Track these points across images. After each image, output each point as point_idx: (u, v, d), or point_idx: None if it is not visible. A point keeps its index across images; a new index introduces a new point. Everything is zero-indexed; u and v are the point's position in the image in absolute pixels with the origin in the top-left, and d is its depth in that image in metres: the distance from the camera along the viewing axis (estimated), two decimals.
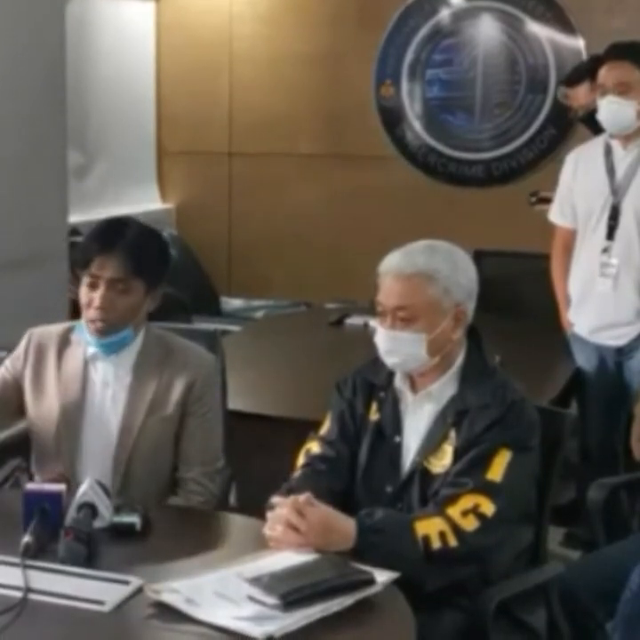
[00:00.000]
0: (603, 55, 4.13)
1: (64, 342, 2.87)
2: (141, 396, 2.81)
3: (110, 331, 2.77)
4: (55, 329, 2.91)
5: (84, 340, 2.83)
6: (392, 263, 2.59)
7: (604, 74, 4.03)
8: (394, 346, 2.57)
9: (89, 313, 2.76)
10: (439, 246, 2.62)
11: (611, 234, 4.07)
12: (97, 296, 2.73)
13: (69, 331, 2.89)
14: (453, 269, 2.57)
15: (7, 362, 2.93)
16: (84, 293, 2.77)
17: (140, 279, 2.76)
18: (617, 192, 4.07)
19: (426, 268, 2.55)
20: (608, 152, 4.12)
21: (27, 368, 2.88)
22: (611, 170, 4.09)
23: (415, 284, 2.55)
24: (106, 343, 2.79)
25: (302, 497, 2.37)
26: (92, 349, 2.83)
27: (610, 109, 4.01)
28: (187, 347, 2.91)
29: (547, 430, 2.61)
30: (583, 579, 2.84)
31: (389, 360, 2.61)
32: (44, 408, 2.85)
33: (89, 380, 2.84)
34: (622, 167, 4.07)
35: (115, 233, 2.77)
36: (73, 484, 2.57)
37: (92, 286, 2.75)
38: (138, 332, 2.84)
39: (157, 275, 2.84)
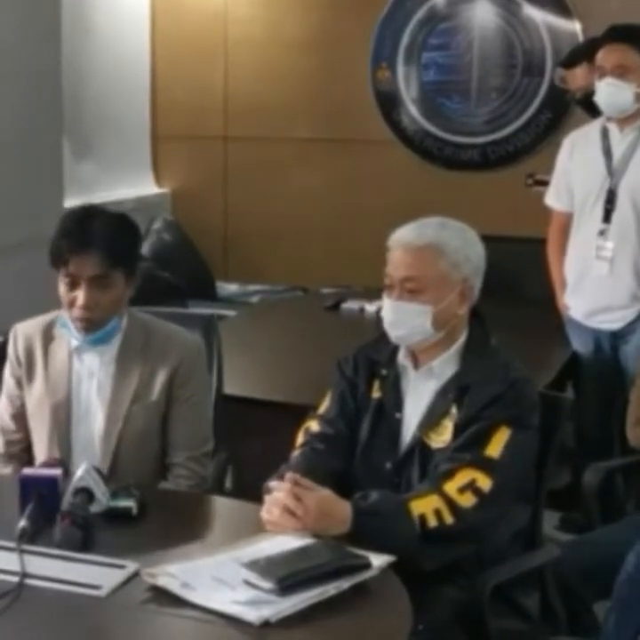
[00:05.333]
0: (601, 37, 4.12)
1: (48, 338, 2.86)
2: (126, 385, 2.80)
3: (96, 327, 2.75)
4: (37, 323, 2.89)
5: (69, 334, 2.80)
6: (402, 235, 2.61)
7: (603, 56, 4.03)
8: (400, 317, 2.58)
9: (73, 312, 2.72)
10: (449, 222, 2.65)
11: (607, 217, 4.07)
12: (80, 295, 2.69)
13: (52, 324, 2.86)
14: (463, 244, 2.59)
15: (6, 374, 2.91)
16: (64, 292, 2.73)
17: (120, 269, 2.73)
18: (614, 175, 4.06)
19: (436, 241, 2.57)
20: (605, 135, 4.11)
21: (22, 369, 2.88)
22: (607, 152, 4.09)
23: (425, 255, 2.56)
24: (92, 340, 2.78)
25: (290, 474, 2.38)
26: (75, 342, 2.81)
27: (608, 92, 4.00)
28: (170, 331, 2.89)
29: (543, 414, 2.62)
30: (573, 560, 2.86)
31: (394, 332, 2.61)
32: (35, 404, 2.85)
33: (74, 372, 2.83)
34: (619, 150, 4.07)
35: (87, 228, 2.70)
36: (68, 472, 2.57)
37: (73, 285, 2.71)
38: (120, 320, 2.82)
39: (134, 260, 2.81)
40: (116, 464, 2.77)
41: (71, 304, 2.72)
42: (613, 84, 3.97)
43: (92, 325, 2.74)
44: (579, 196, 4.18)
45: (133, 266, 2.79)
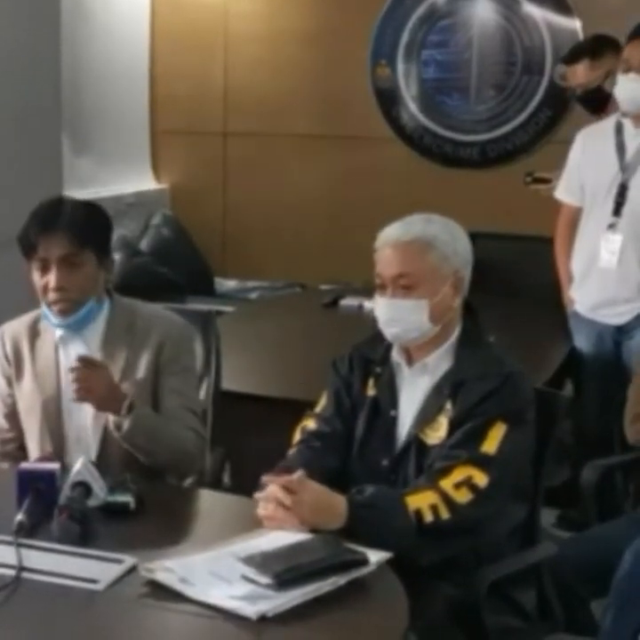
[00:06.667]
0: (631, 33, 4.11)
1: (34, 334, 2.87)
2: (113, 365, 2.79)
3: (73, 308, 2.75)
4: (23, 323, 2.90)
5: (49, 323, 2.81)
6: (389, 234, 2.61)
7: (630, 51, 4.04)
8: (395, 314, 2.57)
9: (48, 297, 2.74)
10: (435, 217, 2.65)
11: (617, 210, 4.08)
12: (51, 278, 2.71)
13: (36, 321, 2.88)
14: (451, 238, 2.59)
15: None
16: (37, 279, 2.75)
17: (88, 249, 2.74)
18: (626, 170, 4.08)
19: (424, 235, 2.57)
20: (619, 130, 4.13)
21: (11, 368, 2.88)
22: (621, 148, 4.10)
23: (414, 250, 2.56)
24: (72, 322, 2.77)
25: (295, 475, 2.38)
26: (59, 332, 2.82)
27: (631, 87, 4.00)
28: (154, 312, 2.91)
29: (540, 411, 2.62)
30: (571, 557, 2.86)
31: (390, 330, 2.60)
32: (26, 401, 2.86)
33: (61, 364, 2.83)
34: (633, 146, 4.08)
35: (52, 212, 2.75)
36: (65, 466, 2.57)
37: (44, 270, 2.72)
38: (101, 306, 2.83)
39: (104, 242, 2.82)
40: (108, 446, 2.76)
41: (45, 289, 2.74)
42: (637, 80, 3.97)
43: (68, 307, 2.74)
44: (589, 190, 4.20)
45: (103, 247, 2.81)
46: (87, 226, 2.76)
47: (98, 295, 2.81)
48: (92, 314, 2.80)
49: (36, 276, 2.75)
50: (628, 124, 4.11)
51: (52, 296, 2.73)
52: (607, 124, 4.20)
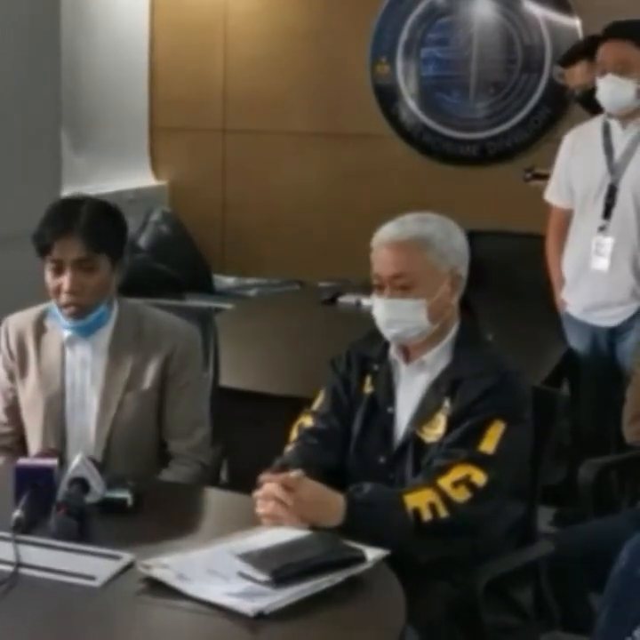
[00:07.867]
0: (603, 33, 4.10)
1: (40, 330, 2.86)
2: (119, 373, 2.80)
3: (85, 312, 2.75)
4: (28, 315, 2.89)
5: (59, 324, 2.81)
6: (386, 234, 2.60)
7: (604, 51, 4.01)
8: (395, 314, 2.57)
9: (60, 299, 2.73)
10: (430, 216, 2.64)
11: (607, 212, 4.05)
12: (65, 280, 2.70)
13: (43, 316, 2.87)
14: (447, 236, 2.59)
15: None
16: (50, 279, 2.73)
17: (104, 254, 2.73)
18: (615, 171, 4.05)
19: (420, 234, 2.56)
20: (606, 131, 4.10)
21: (14, 362, 2.88)
22: (609, 149, 4.07)
23: (411, 249, 2.56)
24: (83, 325, 2.77)
25: (293, 473, 2.38)
26: (67, 333, 2.81)
27: (609, 88, 3.98)
28: (162, 319, 2.89)
29: (538, 410, 2.62)
30: (570, 545, 2.86)
31: (390, 331, 2.60)
32: (29, 397, 2.86)
33: (67, 363, 2.83)
34: (621, 146, 4.06)
35: (70, 214, 2.72)
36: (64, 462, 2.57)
37: (58, 271, 2.71)
38: (112, 308, 2.82)
39: (119, 246, 2.81)
40: (110, 452, 2.78)
41: (57, 291, 2.73)
42: (615, 81, 3.95)
43: (80, 311, 2.74)
44: (579, 193, 4.17)
45: (118, 251, 2.79)
46: (103, 231, 2.74)
47: (110, 298, 2.80)
48: (102, 319, 2.79)
49: (49, 277, 2.73)
50: (614, 125, 4.08)
51: (63, 298, 2.72)
52: (594, 126, 4.17)
